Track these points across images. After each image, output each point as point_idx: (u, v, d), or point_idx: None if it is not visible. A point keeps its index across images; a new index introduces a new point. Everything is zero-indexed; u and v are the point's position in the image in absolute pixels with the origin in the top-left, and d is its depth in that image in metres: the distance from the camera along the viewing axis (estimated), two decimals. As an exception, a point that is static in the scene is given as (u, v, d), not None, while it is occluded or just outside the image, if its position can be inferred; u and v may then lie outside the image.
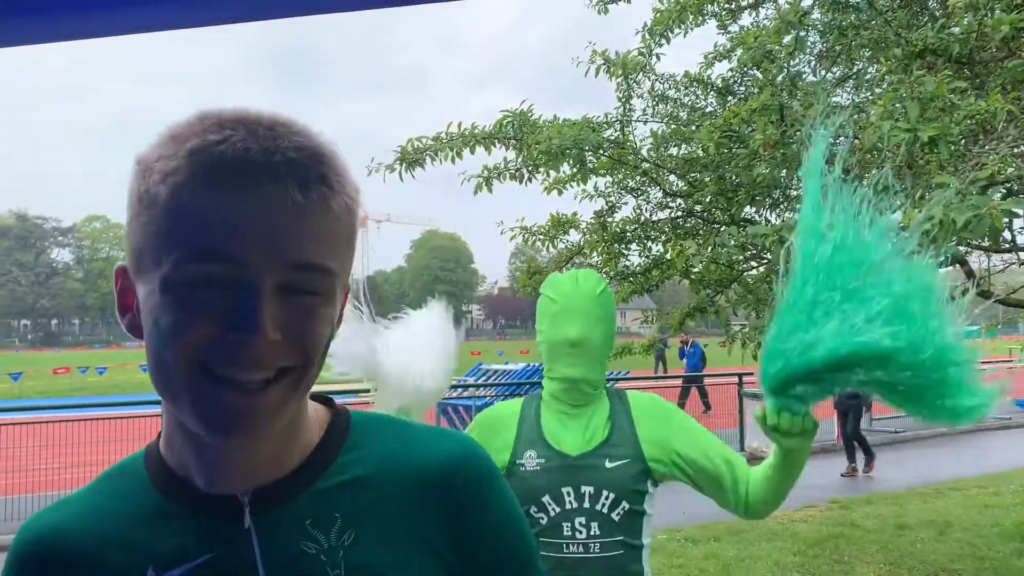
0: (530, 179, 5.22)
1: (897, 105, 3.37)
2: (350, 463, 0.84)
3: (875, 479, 10.52)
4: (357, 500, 0.82)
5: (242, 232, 0.69)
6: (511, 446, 2.05)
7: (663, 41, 5.64)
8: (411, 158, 4.93)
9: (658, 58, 5.76)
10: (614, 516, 1.97)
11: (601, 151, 5.18)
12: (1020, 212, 2.78)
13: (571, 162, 4.96)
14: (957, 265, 5.72)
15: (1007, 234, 5.78)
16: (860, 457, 10.97)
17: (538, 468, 2.00)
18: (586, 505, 1.97)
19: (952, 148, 3.17)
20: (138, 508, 0.82)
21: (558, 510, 1.98)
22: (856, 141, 3.79)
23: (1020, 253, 6.47)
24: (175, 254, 0.70)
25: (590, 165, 5.19)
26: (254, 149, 0.70)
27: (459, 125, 5.06)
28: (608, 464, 1.99)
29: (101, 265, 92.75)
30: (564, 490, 1.98)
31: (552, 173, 5.32)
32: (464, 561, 0.85)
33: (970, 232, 2.72)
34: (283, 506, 0.80)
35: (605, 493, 1.97)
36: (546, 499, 1.98)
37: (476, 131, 5.04)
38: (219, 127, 0.71)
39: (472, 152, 4.98)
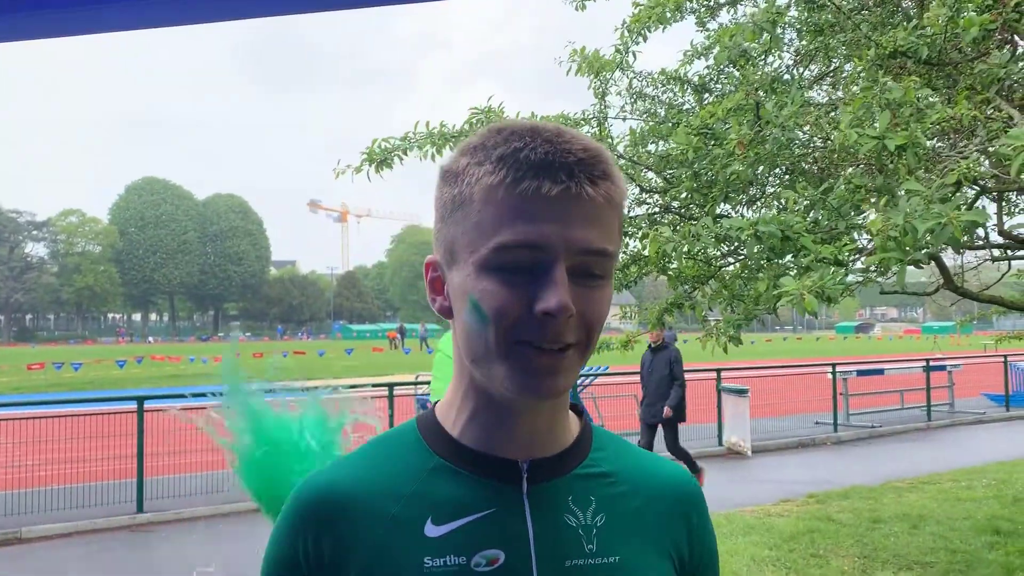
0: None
1: (865, 112, 3.41)
2: (599, 460, 0.96)
3: (853, 473, 10.61)
4: (607, 490, 0.94)
5: (542, 222, 0.81)
6: None
7: (640, 39, 5.66)
8: (379, 158, 4.95)
9: (634, 56, 5.78)
10: None
11: None
12: (981, 221, 2.82)
13: None
14: (932, 263, 5.79)
15: (980, 231, 5.86)
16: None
17: None
18: None
19: (920, 154, 3.21)
20: (415, 465, 0.92)
21: None
22: (829, 141, 3.83)
23: (993, 250, 6.56)
24: (490, 242, 0.82)
25: None
26: (552, 152, 0.82)
27: (427, 124, 5.08)
28: None
29: (77, 260, 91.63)
30: None
31: None
32: (685, 565, 0.97)
33: (933, 239, 2.76)
34: (552, 480, 0.91)
35: None
36: None
37: (445, 130, 5.05)
38: (519, 136, 0.84)
39: (440, 153, 4.99)
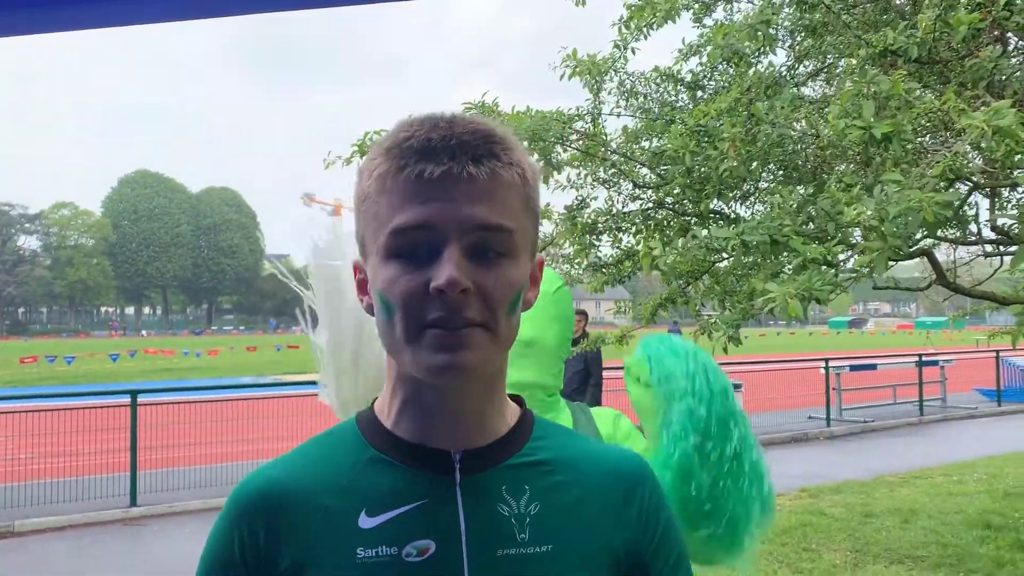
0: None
1: (852, 104, 3.42)
2: (538, 449, 0.96)
3: (846, 468, 10.65)
4: (544, 479, 0.94)
5: (430, 203, 0.84)
6: None
7: (639, 36, 5.66)
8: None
9: (633, 52, 5.78)
10: None
11: (568, 143, 5.20)
12: (953, 201, 2.82)
13: (537, 157, 4.98)
14: (924, 258, 5.81)
15: (972, 227, 5.88)
16: None
17: None
18: None
19: (906, 145, 3.22)
20: (351, 459, 0.93)
21: None
22: (819, 137, 3.84)
23: (986, 246, 6.58)
24: (386, 229, 0.85)
25: (556, 160, 5.21)
26: (435, 137, 0.85)
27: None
28: None
29: (70, 253, 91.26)
30: None
31: None
32: (634, 547, 0.96)
33: (906, 223, 2.77)
34: (485, 471, 0.92)
35: None
36: None
37: None
38: (409, 127, 0.87)
39: None
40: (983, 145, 2.94)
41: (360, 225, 0.92)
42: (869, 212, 2.73)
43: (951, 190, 3.54)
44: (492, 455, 0.93)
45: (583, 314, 9.10)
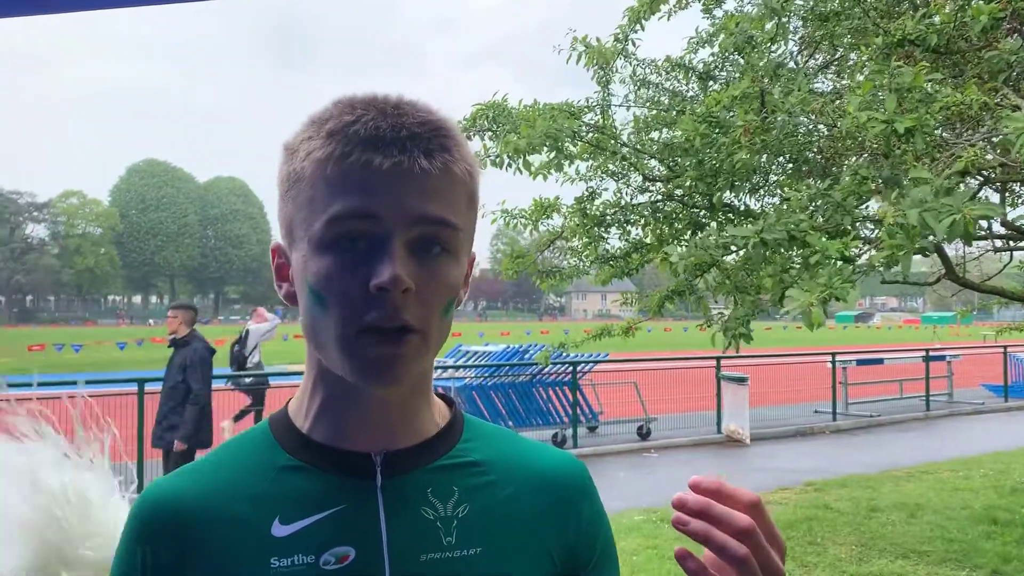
0: (509, 166, 5.22)
1: (873, 96, 3.39)
2: (468, 450, 0.93)
3: (852, 462, 10.64)
4: (473, 480, 0.90)
5: (375, 194, 0.79)
6: None
7: (644, 20, 5.62)
8: None
9: (634, 45, 5.75)
10: None
11: (579, 137, 5.18)
12: (991, 215, 2.80)
13: (547, 149, 4.96)
14: (935, 252, 5.78)
15: (983, 222, 5.85)
16: None
17: None
18: None
19: (928, 139, 3.19)
20: (264, 465, 0.88)
21: None
22: (835, 128, 3.80)
23: (995, 240, 6.55)
24: (322, 217, 0.80)
25: (566, 152, 5.19)
26: (384, 127, 0.80)
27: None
28: None
29: (77, 241, 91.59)
30: None
31: (524, 168, 5.34)
32: (571, 558, 0.93)
33: (946, 233, 2.75)
34: (409, 473, 0.88)
35: None
36: None
37: None
38: (352, 109, 0.82)
39: None
40: (1021, 146, 2.89)
41: (288, 208, 0.85)
42: (913, 219, 2.70)
43: (986, 201, 3.51)
44: (417, 457, 0.89)
45: (185, 309, 7.70)
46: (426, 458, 0.89)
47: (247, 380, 11.07)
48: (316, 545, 0.83)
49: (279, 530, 0.84)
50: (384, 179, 0.79)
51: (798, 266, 4.02)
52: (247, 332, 11.68)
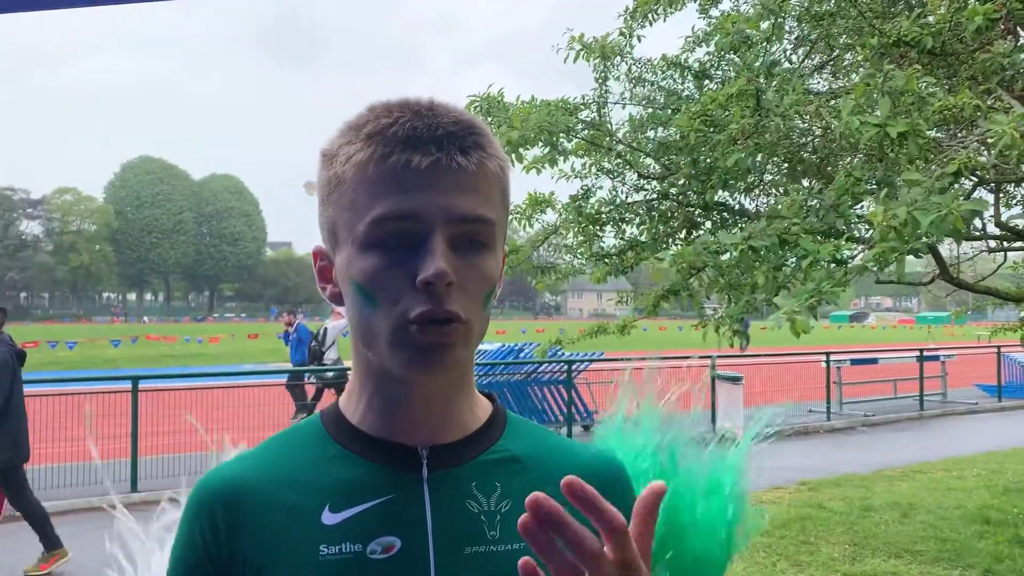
0: (503, 160, 5.20)
1: (866, 100, 3.39)
2: (510, 445, 0.95)
3: (845, 462, 10.65)
4: (516, 476, 0.92)
5: (416, 192, 0.82)
6: None
7: (646, 24, 5.63)
8: None
9: (639, 40, 5.74)
10: None
11: (574, 133, 5.17)
12: (981, 211, 2.81)
13: (540, 145, 4.96)
14: (929, 253, 5.79)
15: (977, 222, 5.86)
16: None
17: None
18: None
19: (921, 143, 3.20)
20: (315, 455, 0.91)
21: None
22: (830, 130, 3.80)
23: (989, 241, 6.57)
24: (366, 218, 0.83)
25: (561, 147, 5.19)
26: (420, 127, 0.83)
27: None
28: None
29: (72, 238, 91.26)
30: None
31: (516, 160, 5.33)
32: None
33: (934, 230, 2.75)
34: (454, 467, 0.90)
35: None
36: None
37: None
38: (388, 112, 0.85)
39: None
40: (1008, 149, 2.90)
41: (330, 211, 0.88)
42: (902, 217, 2.71)
43: (975, 197, 3.51)
44: (461, 451, 0.91)
45: None
46: (470, 452, 0.92)
47: (328, 375, 11.63)
48: (364, 534, 0.86)
49: (329, 518, 0.86)
50: (423, 177, 0.82)
51: (791, 265, 4.02)
52: (325, 329, 12.24)
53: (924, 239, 2.95)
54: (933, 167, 3.39)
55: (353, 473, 0.89)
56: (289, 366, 13.67)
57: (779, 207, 4.33)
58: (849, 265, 3.56)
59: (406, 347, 0.83)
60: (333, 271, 0.91)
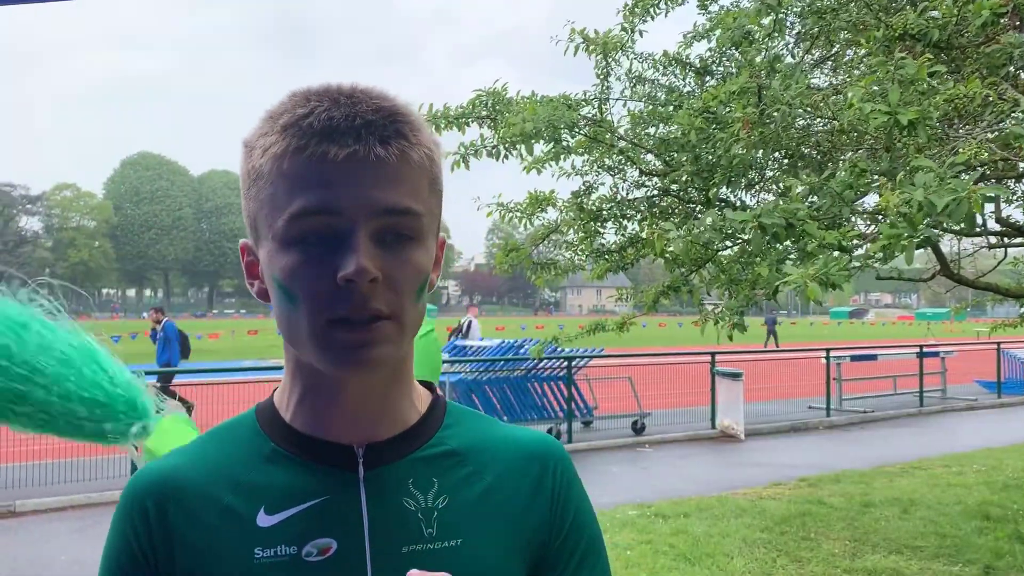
0: (506, 156, 5.19)
1: (877, 87, 3.38)
2: (448, 438, 0.93)
3: (845, 458, 10.66)
4: (453, 471, 0.90)
5: (334, 187, 0.78)
6: None
7: (647, 19, 5.61)
8: None
9: (640, 35, 5.73)
10: None
11: (577, 130, 5.17)
12: (998, 196, 2.81)
13: (545, 140, 4.95)
14: (929, 249, 5.79)
15: (978, 218, 5.86)
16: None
17: None
18: None
19: (930, 132, 3.19)
20: (251, 454, 0.89)
21: None
22: (834, 122, 3.79)
23: (989, 237, 6.56)
24: (284, 214, 0.79)
25: (564, 144, 5.18)
26: (337, 116, 0.79)
27: (430, 106, 5.05)
28: None
29: (71, 234, 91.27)
30: None
31: (526, 153, 5.32)
32: (548, 537, 0.93)
33: (948, 215, 2.74)
34: (390, 464, 0.88)
35: None
36: None
37: (448, 111, 5.01)
38: (306, 101, 0.81)
39: (439, 134, 4.97)
40: (1017, 139, 2.89)
41: (252, 206, 0.85)
42: (919, 199, 2.69)
43: (985, 183, 3.50)
44: (398, 447, 0.89)
45: None
46: (407, 448, 0.89)
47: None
48: (299, 536, 0.84)
49: (264, 520, 0.85)
50: (341, 170, 0.78)
51: (794, 258, 4.02)
52: (469, 322, 13.42)
53: (936, 227, 2.94)
54: (940, 159, 3.38)
55: (289, 473, 0.87)
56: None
57: (781, 201, 4.32)
58: (854, 255, 3.55)
59: (330, 347, 0.80)
60: (259, 267, 0.88)
